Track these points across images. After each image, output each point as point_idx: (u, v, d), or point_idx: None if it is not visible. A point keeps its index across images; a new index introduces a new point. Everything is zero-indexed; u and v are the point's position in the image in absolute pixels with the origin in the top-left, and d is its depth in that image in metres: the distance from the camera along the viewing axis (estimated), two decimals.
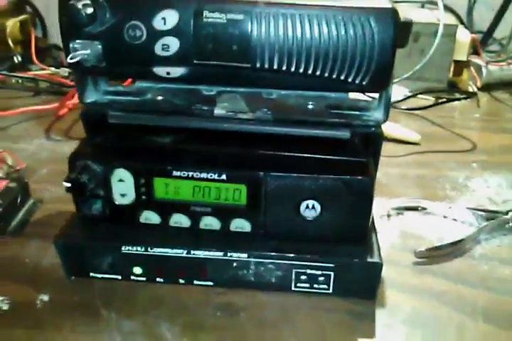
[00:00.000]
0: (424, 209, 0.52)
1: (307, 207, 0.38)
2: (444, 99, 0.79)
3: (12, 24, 0.88)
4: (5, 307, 0.39)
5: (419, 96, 0.81)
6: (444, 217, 0.51)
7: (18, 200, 0.50)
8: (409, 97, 0.78)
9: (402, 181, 0.58)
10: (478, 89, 0.84)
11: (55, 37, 1.01)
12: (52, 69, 0.84)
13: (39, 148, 0.64)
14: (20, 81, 0.83)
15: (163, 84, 0.44)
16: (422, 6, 0.94)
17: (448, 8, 0.91)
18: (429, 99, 0.80)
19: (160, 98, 0.42)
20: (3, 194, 0.49)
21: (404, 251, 0.46)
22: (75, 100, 0.73)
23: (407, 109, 0.76)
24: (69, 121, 0.71)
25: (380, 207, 0.52)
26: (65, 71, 0.82)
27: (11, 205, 0.49)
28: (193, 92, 0.43)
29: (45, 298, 0.40)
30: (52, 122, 0.70)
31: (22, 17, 0.90)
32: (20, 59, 0.86)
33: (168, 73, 0.36)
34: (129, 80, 0.55)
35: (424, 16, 0.85)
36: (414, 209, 0.52)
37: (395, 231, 0.49)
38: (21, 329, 0.37)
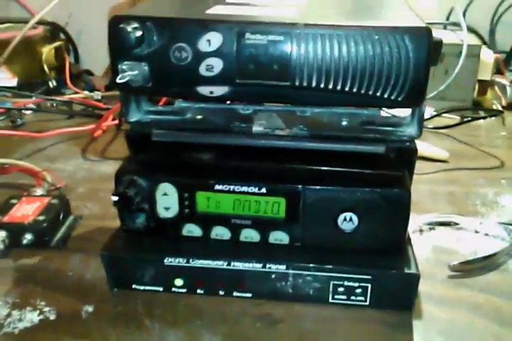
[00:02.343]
0: (456, 224, 0.53)
1: (345, 219, 0.39)
2: (470, 118, 0.80)
3: (47, 50, 0.91)
4: (52, 317, 0.41)
5: (445, 115, 0.82)
6: (476, 231, 0.52)
7: (61, 216, 0.52)
8: (434, 116, 0.80)
9: (432, 197, 0.59)
10: (503, 107, 0.85)
11: (87, 62, 1.05)
12: (86, 92, 0.87)
13: (76, 167, 0.67)
14: (54, 104, 0.86)
15: (202, 104, 0.46)
16: (445, 28, 0.96)
17: (470, 29, 0.92)
18: (455, 118, 0.81)
19: (199, 117, 0.44)
20: (47, 210, 0.51)
21: (438, 265, 0.46)
22: (109, 122, 0.76)
23: (434, 128, 0.77)
24: (103, 142, 0.74)
25: (412, 222, 0.52)
26: (97, 94, 0.85)
27: (53, 221, 0.50)
28: (230, 111, 0.45)
29: (90, 308, 0.42)
30: (87, 143, 0.73)
31: (56, 44, 0.94)
32: (55, 83, 0.89)
33: (211, 92, 0.38)
34: (164, 99, 0.58)
35: (448, 37, 0.86)
36: (446, 224, 0.53)
37: (427, 246, 0.50)
38: (69, 337, 0.39)
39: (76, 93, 0.88)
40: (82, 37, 1.05)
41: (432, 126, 0.77)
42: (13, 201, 0.52)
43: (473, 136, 0.76)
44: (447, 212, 0.55)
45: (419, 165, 0.43)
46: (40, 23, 0.88)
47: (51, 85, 0.90)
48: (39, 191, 0.55)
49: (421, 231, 0.52)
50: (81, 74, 0.97)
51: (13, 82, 0.83)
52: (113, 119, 0.77)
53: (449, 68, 0.79)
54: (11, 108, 0.79)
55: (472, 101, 0.86)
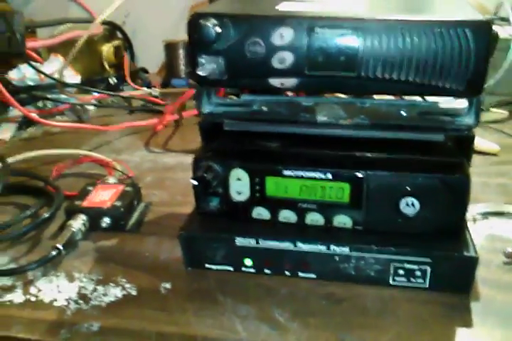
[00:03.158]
0: (510, 214, 0.54)
1: (406, 204, 0.41)
2: None
3: (107, 49, 0.96)
4: (133, 292, 0.45)
5: (494, 110, 0.82)
6: None
7: (134, 203, 0.56)
8: (483, 111, 0.80)
9: (484, 189, 0.60)
10: None
11: (142, 61, 1.10)
12: (144, 89, 0.91)
13: (141, 159, 0.71)
14: (115, 100, 0.90)
15: (266, 96, 0.49)
16: (493, 23, 0.96)
17: None
18: (503, 113, 0.82)
19: (265, 108, 0.47)
20: (122, 196, 0.55)
21: (492, 252, 0.48)
22: (169, 117, 0.80)
23: (483, 122, 0.78)
24: (164, 136, 0.78)
25: None
26: (155, 91, 0.89)
27: (128, 206, 0.54)
28: (292, 103, 0.48)
29: (167, 285, 0.45)
30: (150, 136, 0.77)
31: (115, 42, 0.99)
32: (115, 80, 0.94)
33: (282, 84, 0.41)
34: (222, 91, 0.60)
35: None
36: (500, 214, 0.55)
37: (482, 234, 0.51)
38: (150, 310, 0.42)
39: (135, 89, 0.92)
40: (137, 36, 1.09)
41: (481, 121, 0.78)
42: (90, 188, 0.56)
43: None
44: (500, 202, 0.57)
45: None
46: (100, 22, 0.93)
47: (111, 82, 0.94)
48: (112, 179, 0.59)
49: (474, 220, 0.54)
50: (137, 71, 1.01)
51: (77, 79, 0.88)
52: (172, 114, 0.81)
53: (497, 63, 0.80)
54: (76, 103, 0.84)
55: None
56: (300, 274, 0.45)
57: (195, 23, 0.39)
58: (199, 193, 0.45)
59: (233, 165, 0.43)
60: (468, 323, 0.40)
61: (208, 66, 0.40)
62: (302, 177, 0.42)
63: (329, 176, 0.42)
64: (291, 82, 0.40)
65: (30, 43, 0.85)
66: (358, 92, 0.44)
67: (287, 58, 0.39)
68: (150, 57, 1.06)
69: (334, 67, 0.39)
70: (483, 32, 0.37)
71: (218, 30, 0.39)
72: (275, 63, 0.40)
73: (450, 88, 0.39)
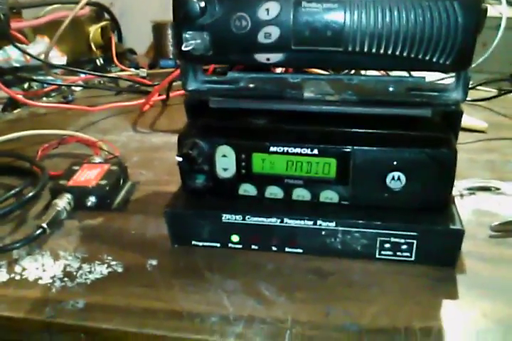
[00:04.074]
0: (497, 189, 0.55)
1: (393, 178, 0.42)
2: (507, 91, 0.81)
3: (94, 30, 0.95)
4: (119, 269, 0.45)
5: (482, 88, 0.83)
6: None
7: (120, 181, 0.55)
8: (471, 88, 0.80)
9: (471, 165, 0.61)
10: None
11: (130, 42, 1.09)
12: (132, 70, 0.90)
13: (128, 139, 0.70)
14: (102, 81, 0.89)
15: (253, 74, 0.49)
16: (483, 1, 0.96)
17: (509, 3, 0.92)
18: (492, 91, 0.82)
19: (252, 85, 0.47)
20: (108, 175, 0.54)
21: (479, 226, 0.48)
22: (156, 98, 0.79)
23: (471, 100, 0.78)
24: (151, 116, 0.78)
25: None
26: (143, 72, 0.89)
27: (114, 185, 0.54)
28: (280, 80, 0.48)
29: (154, 262, 0.45)
30: (137, 117, 0.77)
31: (102, 23, 0.98)
32: (102, 61, 0.93)
33: (268, 59, 0.40)
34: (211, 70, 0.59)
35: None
36: (487, 189, 0.55)
37: (468, 209, 0.52)
38: (138, 287, 0.42)
39: (122, 70, 0.91)
40: (124, 17, 1.08)
41: (469, 99, 0.78)
42: (75, 167, 0.56)
43: (511, 108, 0.77)
44: (487, 178, 0.57)
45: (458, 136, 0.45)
46: (86, 3, 0.91)
47: (98, 63, 0.93)
48: (97, 159, 0.59)
49: (461, 195, 0.54)
50: (125, 53, 1.00)
51: (62, 60, 0.87)
52: (159, 95, 0.80)
53: (487, 41, 0.80)
54: (63, 84, 0.83)
55: (510, 73, 0.86)
56: (287, 249, 0.45)
57: None
58: (185, 170, 0.44)
59: (219, 142, 0.43)
60: (453, 295, 0.41)
61: (192, 41, 0.40)
62: (288, 153, 0.42)
63: (315, 152, 0.42)
64: (277, 57, 0.40)
65: (15, 24, 0.84)
66: (344, 67, 0.44)
67: (273, 33, 0.39)
68: (138, 39, 1.06)
69: (321, 42, 0.39)
70: (472, 5, 0.37)
71: (202, 4, 0.38)
72: (261, 38, 0.39)
73: (438, 62, 0.38)
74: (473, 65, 0.73)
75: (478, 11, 0.37)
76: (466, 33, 0.37)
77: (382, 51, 0.38)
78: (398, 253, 0.44)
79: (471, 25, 0.37)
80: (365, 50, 0.38)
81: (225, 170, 0.44)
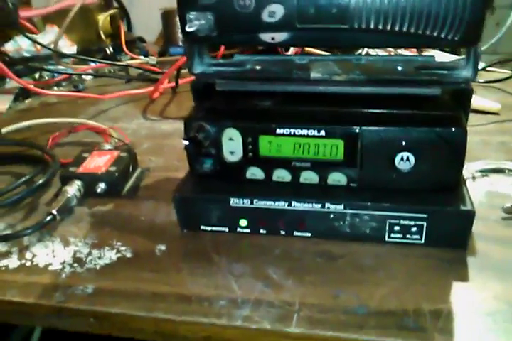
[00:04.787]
0: (510, 171, 0.53)
1: (402, 159, 0.41)
2: None
3: (103, 18, 0.95)
4: (129, 255, 0.45)
5: (495, 69, 0.81)
6: None
7: (130, 168, 0.55)
8: (484, 69, 0.79)
9: (484, 147, 0.60)
10: None
11: (139, 30, 1.08)
12: (142, 58, 0.90)
13: (138, 126, 0.70)
14: (112, 70, 0.89)
15: (259, 56, 0.48)
16: None
17: None
18: (506, 73, 0.80)
19: (258, 67, 0.46)
20: (117, 162, 0.54)
21: (491, 208, 0.47)
22: (166, 85, 0.79)
23: (485, 82, 0.76)
24: (161, 103, 0.77)
25: (464, 170, 0.53)
26: (153, 60, 0.89)
27: (124, 172, 0.54)
28: (286, 62, 0.47)
29: (163, 247, 0.45)
30: (147, 104, 0.76)
31: (111, 12, 0.97)
32: (111, 50, 0.93)
33: (272, 38, 0.40)
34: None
35: None
36: (499, 171, 0.54)
37: (481, 191, 0.51)
38: (146, 271, 0.42)
39: (132, 59, 0.91)
40: (134, 5, 1.07)
41: (482, 80, 0.77)
42: (85, 154, 0.56)
43: None
44: (500, 160, 0.56)
45: (471, 118, 0.44)
46: None
47: (108, 52, 0.93)
48: (107, 146, 0.59)
49: (474, 178, 0.53)
50: (134, 41, 1.00)
51: (72, 49, 0.87)
52: (169, 82, 0.80)
53: (500, 21, 0.78)
54: (73, 73, 0.83)
55: None
56: (295, 233, 0.45)
57: None
58: (192, 154, 0.44)
59: (225, 125, 0.42)
60: (464, 277, 0.40)
61: (196, 22, 0.39)
62: (295, 135, 0.42)
63: (323, 133, 0.41)
64: (282, 36, 0.39)
65: (24, 13, 0.84)
66: (351, 45, 0.43)
67: (277, 11, 0.38)
68: (147, 26, 1.05)
69: (326, 20, 0.38)
70: None
71: None
72: (265, 17, 0.39)
73: (446, 38, 0.37)
74: (486, 46, 0.73)
75: None
76: (474, 7, 0.36)
77: (388, 28, 0.37)
78: (408, 236, 0.43)
79: (480, 0, 0.36)
80: (372, 26, 0.38)
81: (232, 153, 0.43)
